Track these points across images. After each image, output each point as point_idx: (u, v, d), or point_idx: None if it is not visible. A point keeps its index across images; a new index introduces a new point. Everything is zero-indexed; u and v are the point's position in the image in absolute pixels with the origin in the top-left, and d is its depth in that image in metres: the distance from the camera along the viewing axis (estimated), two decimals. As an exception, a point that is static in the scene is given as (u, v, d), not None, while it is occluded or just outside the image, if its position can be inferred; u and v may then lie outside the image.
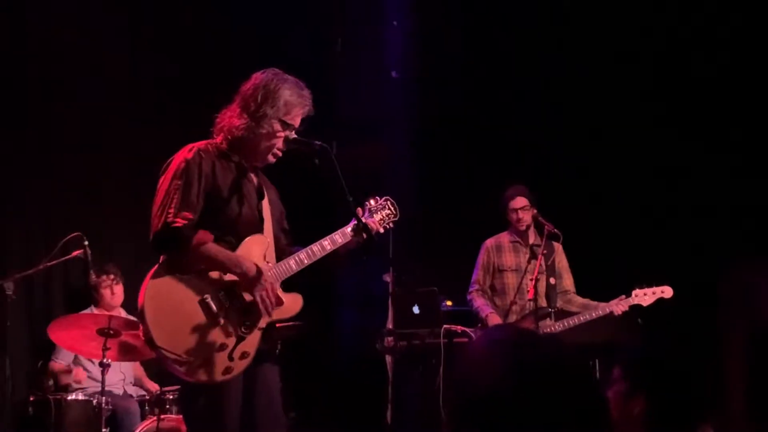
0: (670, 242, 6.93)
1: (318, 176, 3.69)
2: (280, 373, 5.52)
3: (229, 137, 3.62)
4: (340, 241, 3.76)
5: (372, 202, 3.98)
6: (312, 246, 3.70)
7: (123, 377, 6.01)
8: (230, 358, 3.45)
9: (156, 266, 3.47)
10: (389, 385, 5.87)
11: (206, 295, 3.44)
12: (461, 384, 1.54)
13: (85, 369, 5.86)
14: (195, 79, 6.77)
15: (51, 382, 5.82)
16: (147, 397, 5.71)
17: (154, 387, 5.97)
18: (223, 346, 3.43)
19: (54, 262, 5.37)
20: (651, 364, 2.22)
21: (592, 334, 5.88)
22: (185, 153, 3.57)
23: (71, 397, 5.48)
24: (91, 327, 5.08)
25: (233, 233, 3.55)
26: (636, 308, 5.81)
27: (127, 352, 5.25)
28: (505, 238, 6.14)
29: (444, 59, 7.45)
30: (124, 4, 6.85)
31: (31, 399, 5.47)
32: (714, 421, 2.29)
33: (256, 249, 3.60)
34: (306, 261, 3.68)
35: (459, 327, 5.71)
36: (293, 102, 3.63)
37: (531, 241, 6.07)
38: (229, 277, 3.50)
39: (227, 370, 3.44)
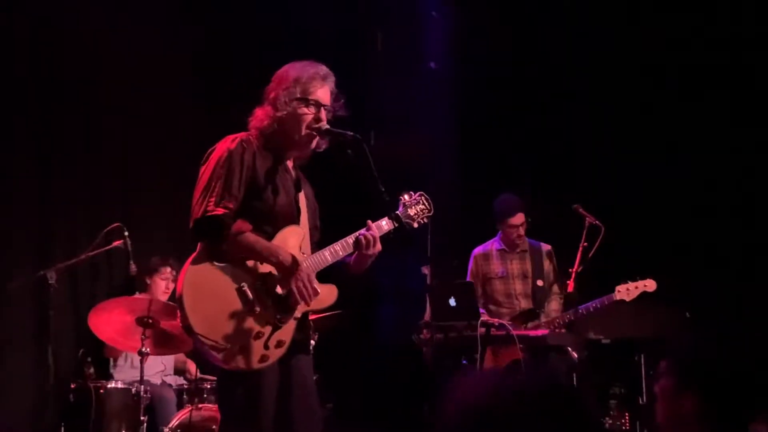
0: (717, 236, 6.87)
1: (352, 168, 3.69)
2: (319, 365, 5.61)
3: (261, 131, 3.68)
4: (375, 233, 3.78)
5: (406, 196, 3.98)
6: (347, 238, 3.73)
7: (163, 368, 6.09)
8: (266, 346, 3.50)
9: (195, 254, 3.53)
10: (427, 377, 5.89)
11: (243, 284, 3.49)
12: (457, 404, 1.56)
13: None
14: (235, 73, 6.81)
15: (92, 371, 5.91)
16: (185, 386, 5.78)
17: (193, 367, 6.04)
18: (259, 334, 3.48)
19: (95, 252, 5.47)
20: (702, 360, 2.16)
21: (637, 329, 5.85)
22: (228, 143, 3.63)
23: (111, 385, 5.56)
24: (130, 314, 5.15)
25: (270, 223, 3.60)
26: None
27: (164, 344, 5.32)
28: (492, 246, 6.27)
29: (483, 50, 7.44)
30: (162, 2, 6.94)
31: (73, 387, 5.53)
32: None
33: (292, 239, 3.64)
34: (341, 253, 3.72)
35: (496, 319, 5.72)
36: (304, 77, 3.68)
37: (522, 248, 6.17)
38: (265, 266, 3.55)
39: (263, 358, 3.48)
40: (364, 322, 6.87)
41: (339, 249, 3.72)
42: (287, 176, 3.72)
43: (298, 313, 3.61)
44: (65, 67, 6.46)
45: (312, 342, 5.45)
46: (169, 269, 6.06)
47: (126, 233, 5.33)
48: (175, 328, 4.71)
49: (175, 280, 6.04)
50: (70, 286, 6.10)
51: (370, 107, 6.91)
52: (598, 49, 7.40)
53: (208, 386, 5.53)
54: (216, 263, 3.49)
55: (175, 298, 3.55)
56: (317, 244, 3.84)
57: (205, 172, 3.58)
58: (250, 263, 3.54)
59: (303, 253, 3.67)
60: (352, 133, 3.70)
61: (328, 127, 3.71)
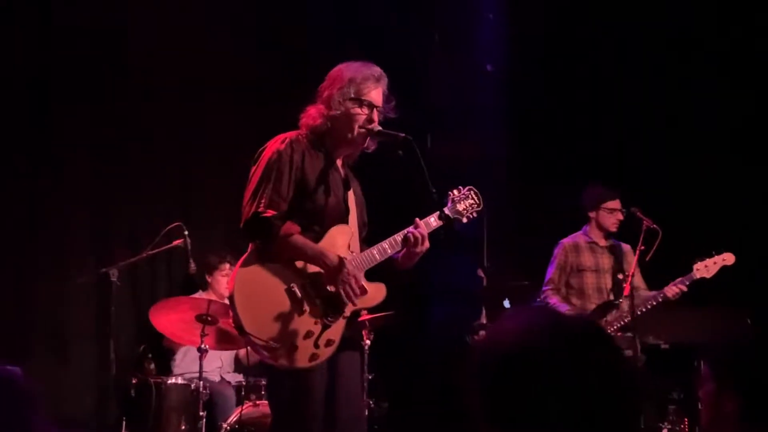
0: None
1: (403, 167, 3.71)
2: (374, 364, 5.63)
3: (312, 129, 3.71)
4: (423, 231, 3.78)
5: (455, 192, 3.98)
6: (395, 236, 3.73)
7: (221, 364, 6.16)
8: (316, 345, 3.53)
9: (246, 255, 3.58)
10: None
11: (293, 284, 3.53)
12: (495, 342, 1.54)
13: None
14: (292, 73, 6.83)
15: (152, 366, 6.02)
16: (243, 383, 5.85)
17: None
18: (309, 334, 3.52)
19: (156, 250, 5.53)
20: (739, 361, 2.12)
21: (697, 334, 5.75)
22: (278, 143, 3.67)
23: (171, 380, 5.63)
24: (190, 311, 5.23)
25: (320, 222, 3.63)
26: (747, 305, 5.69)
27: (223, 340, 5.38)
28: (581, 238, 6.13)
29: (538, 52, 7.40)
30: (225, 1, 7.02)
31: (134, 381, 5.60)
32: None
33: (340, 239, 3.67)
34: (390, 251, 3.73)
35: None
36: (358, 78, 3.70)
37: (603, 243, 6.07)
38: (313, 267, 3.58)
39: (313, 357, 3.52)
40: (418, 323, 6.86)
41: (387, 247, 3.73)
42: (336, 175, 3.75)
43: (347, 312, 3.64)
44: (127, 68, 6.57)
45: (368, 342, 5.55)
46: (227, 265, 6.09)
47: (186, 232, 5.40)
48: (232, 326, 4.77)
49: None
50: (131, 283, 6.19)
51: (427, 109, 6.93)
52: (651, 49, 7.32)
53: (264, 383, 5.58)
54: (267, 264, 3.54)
55: (228, 299, 3.60)
56: (365, 241, 3.87)
57: (256, 172, 3.62)
58: (299, 264, 3.58)
59: (351, 252, 3.69)
60: (403, 134, 3.70)
61: (379, 128, 3.73)
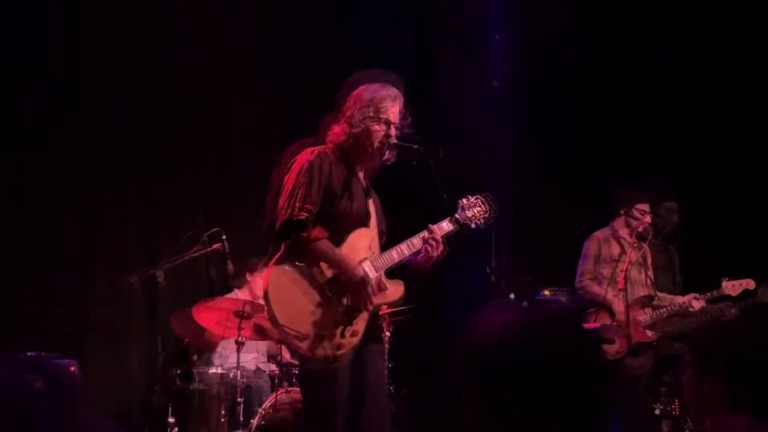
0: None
1: (417, 176, 3.84)
2: (395, 356, 5.73)
3: (336, 143, 3.86)
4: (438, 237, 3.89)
5: (464, 200, 4.05)
6: (412, 239, 3.86)
7: (256, 355, 6.24)
8: (342, 335, 3.65)
9: (278, 254, 3.71)
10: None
11: (321, 281, 3.67)
12: (475, 338, 1.56)
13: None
14: (310, 87, 6.93)
15: (195, 357, 6.14)
16: (276, 372, 5.96)
17: (286, 353, 6.21)
18: (336, 325, 3.65)
19: (197, 253, 5.62)
20: (718, 347, 2.15)
21: (686, 323, 5.82)
22: (308, 154, 3.81)
23: (212, 370, 5.74)
24: (228, 309, 5.35)
25: (344, 226, 3.77)
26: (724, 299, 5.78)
27: (259, 333, 5.47)
28: (609, 232, 6.14)
29: (543, 70, 7.47)
30: (252, 15, 7.11)
31: (178, 372, 5.74)
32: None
33: (361, 241, 3.81)
34: (407, 252, 3.84)
35: None
36: (377, 98, 3.83)
37: (630, 240, 6.07)
38: None
39: (339, 347, 3.65)
40: (434, 317, 6.94)
41: (405, 249, 3.84)
42: (358, 184, 3.88)
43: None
44: (174, 76, 6.66)
45: (388, 333, 5.67)
46: (263, 266, 6.19)
47: (224, 236, 5.51)
48: (266, 320, 4.90)
49: None
50: (175, 283, 6.26)
51: (440, 122, 7.01)
52: (664, 53, 7.32)
53: (296, 371, 5.68)
54: (296, 263, 3.67)
55: (263, 294, 3.74)
56: (383, 247, 3.96)
57: (289, 180, 3.76)
58: (325, 264, 3.71)
59: (372, 252, 3.83)
60: (417, 146, 3.84)
61: (396, 141, 3.86)
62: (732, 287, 5.78)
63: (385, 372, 4.65)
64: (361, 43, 7.13)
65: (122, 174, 6.46)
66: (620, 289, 5.63)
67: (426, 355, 6.86)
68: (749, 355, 2.08)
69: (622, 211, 6.09)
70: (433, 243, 3.79)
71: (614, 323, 5.69)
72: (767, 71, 7.00)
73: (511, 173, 7.27)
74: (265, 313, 3.82)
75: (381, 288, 3.73)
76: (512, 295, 5.53)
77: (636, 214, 5.99)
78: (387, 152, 3.88)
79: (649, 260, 6.04)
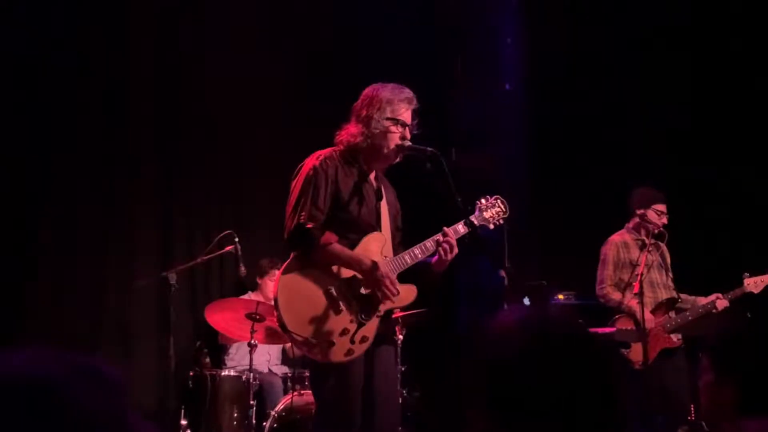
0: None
1: (431, 179, 3.73)
2: (407, 359, 5.62)
3: (350, 146, 3.74)
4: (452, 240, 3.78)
5: (483, 200, 3.98)
6: (425, 242, 3.75)
7: (269, 358, 6.17)
8: (352, 341, 3.56)
9: (287, 262, 3.62)
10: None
11: (330, 287, 3.57)
12: (487, 351, 1.49)
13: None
14: (325, 93, 6.78)
15: (207, 360, 6.06)
16: (289, 375, 5.87)
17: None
18: (345, 331, 3.55)
19: (210, 256, 5.57)
20: (734, 352, 2.05)
21: (700, 328, 5.66)
22: (313, 160, 3.71)
23: (224, 373, 5.67)
24: (240, 311, 5.28)
25: (354, 230, 3.67)
26: (745, 299, 5.60)
27: (271, 336, 5.41)
28: (627, 235, 5.92)
29: (554, 72, 7.36)
30: (265, 20, 7.02)
31: (191, 374, 5.66)
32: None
33: (373, 245, 3.70)
34: (420, 255, 3.74)
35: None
36: (393, 99, 3.74)
37: (647, 241, 5.89)
38: (348, 271, 3.62)
39: (349, 352, 3.55)
40: (447, 320, 6.83)
41: (418, 252, 3.74)
42: (368, 187, 3.78)
43: (381, 311, 3.66)
44: (187, 82, 6.60)
45: (400, 337, 5.55)
46: (276, 271, 6.11)
47: (236, 239, 5.44)
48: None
49: None
50: (188, 285, 6.21)
51: (452, 126, 6.91)
52: (664, 63, 7.23)
53: (308, 374, 5.59)
54: (306, 270, 3.59)
55: (273, 301, 3.64)
56: (400, 245, 3.89)
57: (295, 187, 3.68)
58: (335, 269, 3.62)
59: (384, 257, 3.72)
60: (431, 149, 3.74)
61: (410, 143, 3.78)
62: (754, 284, 5.57)
63: (398, 376, 4.56)
64: (372, 48, 7.03)
65: (140, 181, 6.39)
66: (635, 294, 5.42)
67: (438, 358, 6.74)
68: (756, 359, 1.99)
69: (638, 212, 5.87)
70: (447, 246, 3.67)
71: (633, 329, 5.51)
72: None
73: (523, 176, 7.16)
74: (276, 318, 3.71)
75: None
76: (526, 300, 5.40)
77: (652, 214, 5.78)
78: (400, 154, 3.77)
79: (668, 261, 5.86)
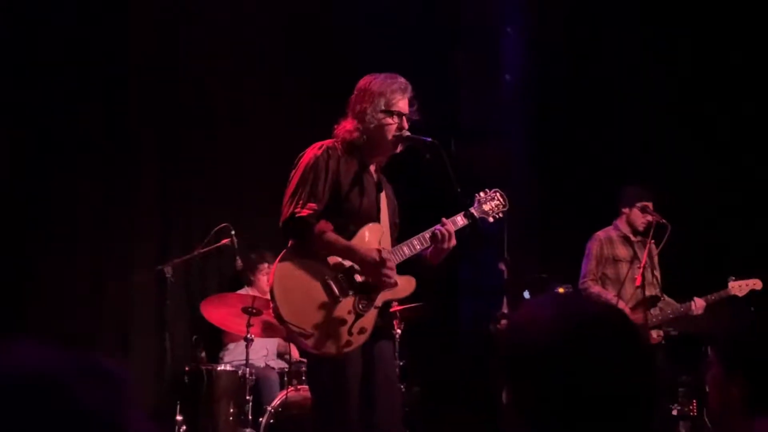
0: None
1: (430, 170, 3.64)
2: (406, 352, 5.54)
3: (347, 141, 3.65)
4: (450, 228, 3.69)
5: (482, 193, 3.90)
6: (423, 233, 3.66)
7: (266, 353, 6.10)
8: (350, 332, 3.48)
9: (283, 251, 3.54)
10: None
11: (327, 277, 3.48)
12: (517, 336, 1.43)
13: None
14: (325, 85, 6.73)
15: (203, 355, 5.97)
16: (286, 369, 5.79)
17: (295, 351, 6.04)
18: (343, 322, 3.47)
19: (206, 249, 5.51)
20: (744, 346, 2.00)
21: (703, 323, 5.62)
22: (315, 150, 3.63)
23: (220, 368, 5.60)
24: (237, 305, 5.21)
25: (354, 222, 3.60)
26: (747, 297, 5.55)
27: (268, 330, 5.35)
28: (612, 232, 5.93)
29: (554, 62, 7.31)
30: (265, 20, 6.95)
31: (187, 369, 5.57)
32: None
33: (371, 236, 3.62)
34: (418, 247, 3.65)
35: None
36: (386, 90, 3.64)
37: (633, 238, 5.88)
38: (346, 261, 3.53)
39: (347, 344, 3.47)
40: (447, 314, 6.75)
41: (416, 243, 3.66)
42: (369, 179, 3.71)
43: (378, 302, 3.58)
44: (184, 75, 6.53)
45: (398, 331, 5.46)
46: (266, 265, 6.03)
47: (233, 232, 5.37)
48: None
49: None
50: (184, 279, 6.14)
51: (451, 116, 6.83)
52: (666, 54, 7.17)
53: (305, 369, 5.50)
54: (302, 259, 3.50)
55: (268, 291, 3.54)
56: (396, 240, 3.80)
57: (294, 176, 3.59)
58: (332, 259, 3.53)
59: (383, 248, 3.61)
60: (430, 139, 3.65)
61: (409, 134, 3.68)
62: (738, 287, 5.58)
63: (396, 370, 4.47)
64: (374, 44, 6.95)
65: (139, 177, 6.31)
66: (637, 287, 5.37)
67: (437, 352, 6.66)
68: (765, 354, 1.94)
69: (624, 210, 5.89)
70: (445, 232, 3.57)
71: None
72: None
73: (524, 169, 7.09)
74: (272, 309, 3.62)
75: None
76: (526, 293, 5.31)
77: (636, 212, 5.80)
78: (399, 145, 3.68)
79: (656, 258, 5.82)
